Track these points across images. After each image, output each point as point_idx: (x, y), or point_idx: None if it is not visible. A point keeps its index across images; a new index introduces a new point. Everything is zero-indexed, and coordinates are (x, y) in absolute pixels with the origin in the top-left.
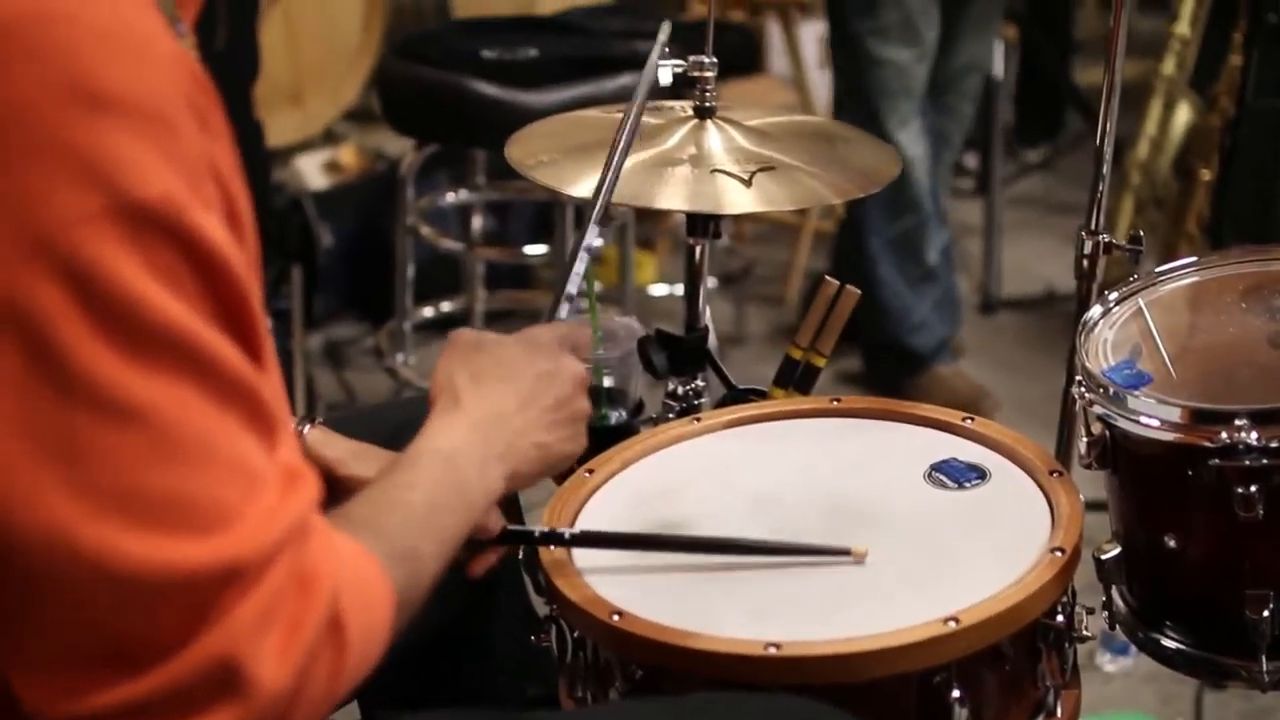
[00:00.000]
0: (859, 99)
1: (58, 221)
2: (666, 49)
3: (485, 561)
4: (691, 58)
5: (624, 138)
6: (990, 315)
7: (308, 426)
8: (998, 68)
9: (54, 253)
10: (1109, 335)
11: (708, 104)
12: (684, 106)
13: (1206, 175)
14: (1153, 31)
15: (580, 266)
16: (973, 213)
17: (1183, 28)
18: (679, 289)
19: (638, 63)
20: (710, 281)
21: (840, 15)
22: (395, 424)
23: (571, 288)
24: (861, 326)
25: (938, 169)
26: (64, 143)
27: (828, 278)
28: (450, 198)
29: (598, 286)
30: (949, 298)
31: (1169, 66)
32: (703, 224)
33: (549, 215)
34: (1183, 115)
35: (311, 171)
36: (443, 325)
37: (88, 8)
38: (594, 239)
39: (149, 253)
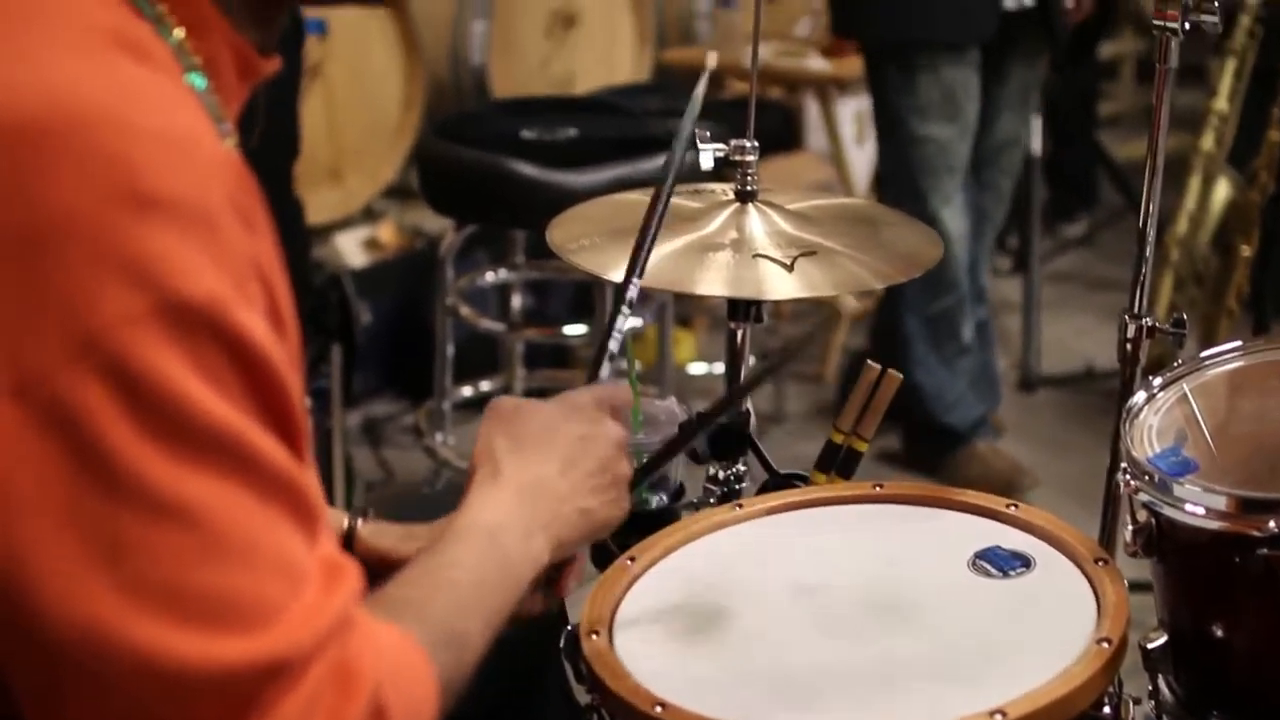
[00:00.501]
0: (903, 176)
1: (105, 322)
2: (706, 134)
3: (565, 586)
4: (733, 141)
5: (659, 213)
6: (1030, 393)
7: (360, 521)
8: (1034, 144)
9: (101, 353)
10: (1154, 421)
11: (749, 188)
12: (725, 190)
13: (1246, 251)
14: (1190, 106)
15: (621, 322)
16: (1011, 289)
17: (1221, 103)
18: (718, 367)
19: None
20: (749, 359)
21: (882, 93)
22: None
23: (612, 344)
24: (899, 404)
25: (979, 246)
26: (111, 245)
27: (870, 362)
28: (490, 277)
29: (637, 366)
30: (986, 374)
31: (1208, 142)
32: (744, 308)
33: (588, 293)
34: (1222, 191)
35: (351, 249)
36: (481, 404)
37: (137, 111)
38: (629, 319)
39: (194, 352)
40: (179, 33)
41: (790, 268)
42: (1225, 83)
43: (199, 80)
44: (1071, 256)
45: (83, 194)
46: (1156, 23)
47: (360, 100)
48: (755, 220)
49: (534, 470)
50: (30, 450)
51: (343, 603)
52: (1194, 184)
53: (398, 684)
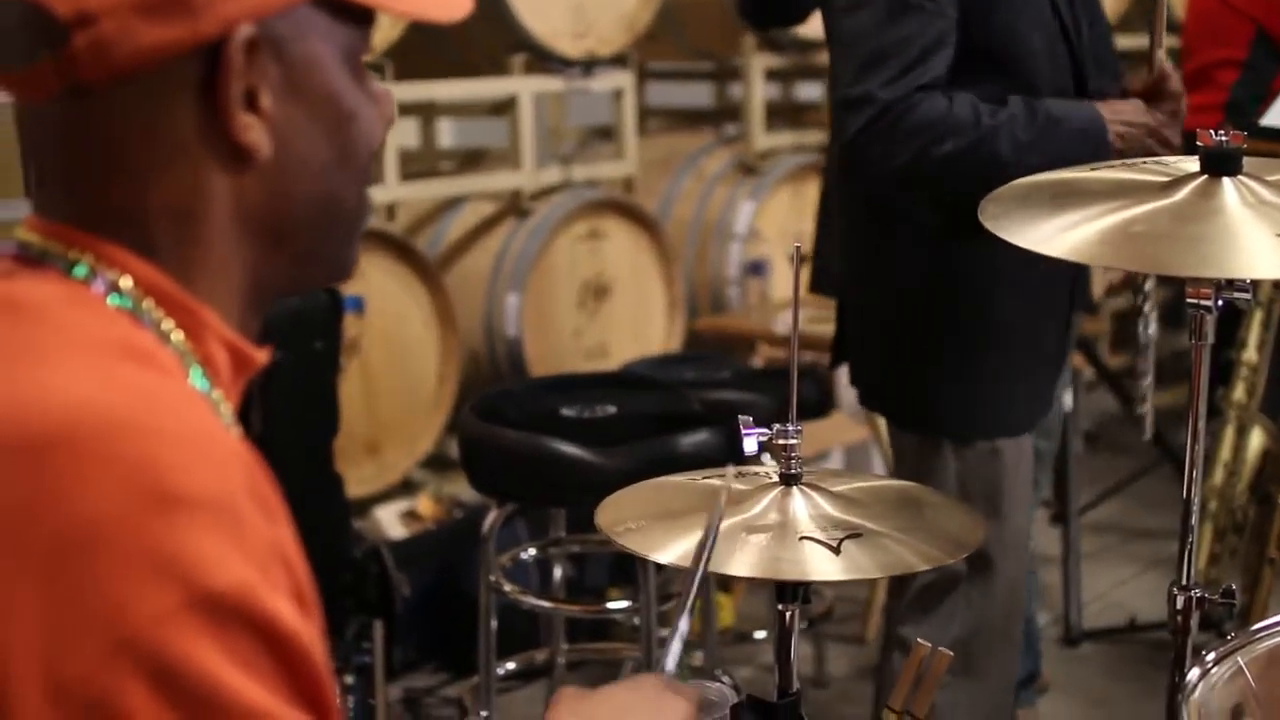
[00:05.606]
0: (977, 491)
1: (140, 620)
2: (749, 419)
3: None
4: (775, 426)
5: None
6: (1073, 647)
7: None
8: (1068, 400)
9: (138, 651)
10: (1209, 697)
11: (793, 471)
12: (769, 472)
13: None
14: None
15: (676, 646)
16: (1050, 541)
17: (1251, 354)
18: (759, 633)
19: (713, 419)
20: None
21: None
22: None
23: (669, 663)
24: None
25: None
26: (142, 545)
27: (919, 640)
28: (531, 553)
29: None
30: (1028, 635)
31: (1239, 393)
32: (792, 590)
33: (629, 560)
34: (1256, 440)
35: (390, 521)
36: (524, 677)
37: (154, 415)
38: (685, 625)
39: (227, 641)
40: (178, 335)
41: (837, 550)
42: (1254, 334)
43: (201, 381)
44: (1107, 505)
45: (114, 500)
46: (1191, 301)
47: (397, 374)
48: (800, 502)
49: None
50: None
51: None
52: (1228, 434)
53: None
